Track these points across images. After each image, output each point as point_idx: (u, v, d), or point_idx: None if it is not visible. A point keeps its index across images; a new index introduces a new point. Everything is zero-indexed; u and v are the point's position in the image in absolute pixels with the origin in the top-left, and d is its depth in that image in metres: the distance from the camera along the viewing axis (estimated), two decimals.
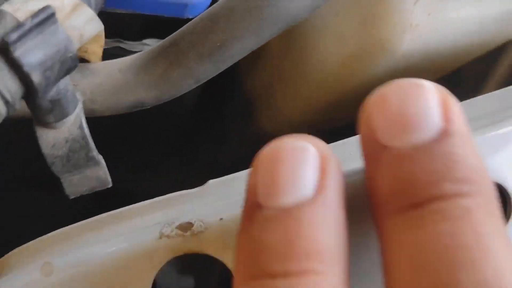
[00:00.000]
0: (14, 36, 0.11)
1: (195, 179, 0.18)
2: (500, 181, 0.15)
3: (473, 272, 0.10)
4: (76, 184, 0.14)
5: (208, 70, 0.16)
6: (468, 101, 0.17)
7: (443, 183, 0.10)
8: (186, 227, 0.15)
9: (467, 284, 0.09)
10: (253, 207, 0.11)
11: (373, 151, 0.11)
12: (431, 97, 0.11)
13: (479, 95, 0.18)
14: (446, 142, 0.10)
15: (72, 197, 0.15)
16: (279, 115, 0.28)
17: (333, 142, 0.18)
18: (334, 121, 0.28)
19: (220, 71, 0.16)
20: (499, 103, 0.17)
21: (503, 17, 0.21)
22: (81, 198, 0.16)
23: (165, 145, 0.28)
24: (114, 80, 0.16)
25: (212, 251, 0.14)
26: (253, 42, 0.15)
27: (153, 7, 0.19)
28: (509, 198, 0.15)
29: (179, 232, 0.14)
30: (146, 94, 0.16)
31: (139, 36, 0.17)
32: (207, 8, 0.21)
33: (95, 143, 0.14)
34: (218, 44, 0.15)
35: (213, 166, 0.29)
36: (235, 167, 0.18)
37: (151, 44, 0.19)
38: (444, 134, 0.10)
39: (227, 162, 0.28)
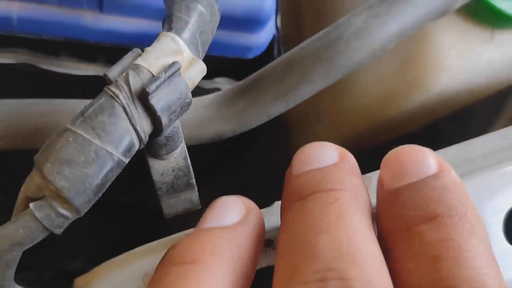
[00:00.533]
0: (152, 87, 0.13)
1: None
2: None
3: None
4: (172, 206, 0.17)
5: (280, 108, 0.18)
6: (475, 139, 0.20)
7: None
8: (268, 243, 0.17)
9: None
10: None
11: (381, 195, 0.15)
12: (428, 153, 0.14)
13: (491, 131, 0.21)
14: (437, 180, 0.14)
15: (168, 217, 0.17)
16: (313, 141, 0.30)
17: (365, 164, 0.20)
18: (362, 146, 0.31)
19: (289, 108, 0.19)
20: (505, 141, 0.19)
21: None
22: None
23: (206, 166, 0.30)
24: (198, 115, 0.19)
25: None
26: (322, 85, 0.18)
27: (221, 49, 0.22)
28: None
29: (263, 247, 0.17)
30: (225, 128, 0.19)
31: (208, 75, 0.19)
32: (265, 51, 0.23)
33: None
34: (292, 86, 0.18)
35: (250, 187, 0.31)
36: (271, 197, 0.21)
37: (220, 82, 0.22)
38: (435, 175, 0.14)
39: (263, 183, 0.30)
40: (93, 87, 0.20)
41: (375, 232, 0.14)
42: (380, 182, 0.15)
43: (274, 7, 0.22)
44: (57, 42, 0.21)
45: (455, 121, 0.29)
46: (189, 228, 0.19)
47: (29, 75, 0.20)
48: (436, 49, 0.22)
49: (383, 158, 0.15)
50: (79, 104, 0.17)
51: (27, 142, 0.17)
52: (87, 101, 0.17)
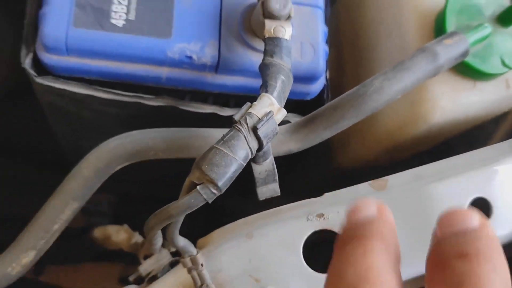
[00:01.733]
0: (259, 125, 0.24)
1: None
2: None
3: None
4: (264, 192, 0.28)
5: (329, 134, 0.29)
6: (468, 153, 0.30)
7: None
8: (320, 216, 0.28)
9: None
10: None
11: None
12: (473, 213, 0.18)
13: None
14: (475, 232, 0.17)
15: (260, 199, 0.28)
16: (352, 155, 0.41)
17: (390, 173, 0.30)
18: (390, 159, 0.41)
19: (334, 135, 0.29)
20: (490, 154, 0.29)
21: (497, 99, 0.33)
22: None
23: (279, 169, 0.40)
24: (277, 138, 0.29)
25: (335, 229, 0.27)
26: (354, 121, 0.28)
27: (291, 95, 0.32)
28: (491, 207, 0.28)
29: (317, 218, 0.27)
30: (293, 146, 0.30)
31: None
32: (319, 94, 0.34)
33: None
34: (335, 121, 0.28)
35: (300, 193, 0.41)
36: (317, 194, 0.31)
37: (290, 116, 0.32)
38: (475, 228, 0.17)
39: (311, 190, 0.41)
40: (209, 120, 0.31)
41: None
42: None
43: (325, 67, 0.32)
44: (188, 91, 0.32)
45: (458, 141, 0.39)
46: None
47: (172, 113, 0.32)
48: (433, 94, 0.32)
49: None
50: (208, 131, 0.29)
51: (179, 154, 0.29)
52: (215, 130, 0.28)
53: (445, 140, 0.37)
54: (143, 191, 0.54)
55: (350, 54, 0.41)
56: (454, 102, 0.32)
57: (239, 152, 0.24)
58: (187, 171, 0.25)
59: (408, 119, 0.33)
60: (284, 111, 0.26)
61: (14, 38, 0.42)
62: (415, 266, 0.23)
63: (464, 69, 0.32)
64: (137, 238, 0.35)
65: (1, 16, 0.47)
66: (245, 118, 0.25)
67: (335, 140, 0.43)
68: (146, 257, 0.32)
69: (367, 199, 0.19)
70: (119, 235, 0.36)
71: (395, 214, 0.18)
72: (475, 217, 0.18)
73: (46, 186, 0.30)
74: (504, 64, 0.31)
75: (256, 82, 0.31)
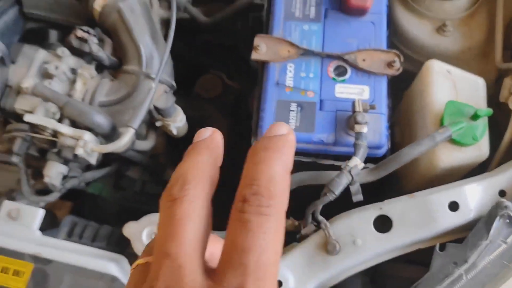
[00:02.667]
0: (353, 170, 0.61)
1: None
2: None
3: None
4: (355, 198, 0.64)
5: (385, 173, 0.64)
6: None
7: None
8: (380, 208, 0.62)
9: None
10: None
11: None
12: None
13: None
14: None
15: (354, 201, 0.64)
16: (410, 183, 0.75)
17: None
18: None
19: (387, 174, 0.64)
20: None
21: (474, 155, 0.65)
22: None
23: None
24: (361, 174, 0.65)
25: (389, 215, 0.62)
26: (398, 166, 0.63)
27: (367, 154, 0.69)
28: None
29: (379, 209, 0.62)
30: (369, 178, 0.65)
31: None
32: (385, 154, 0.69)
33: None
34: (387, 167, 0.63)
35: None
36: None
37: (368, 165, 0.68)
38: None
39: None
40: (329, 167, 0.68)
41: None
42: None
43: (386, 142, 0.68)
44: (321, 154, 0.70)
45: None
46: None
47: (314, 164, 0.69)
48: (438, 153, 0.65)
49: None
50: (330, 172, 0.66)
51: (317, 182, 0.66)
52: (333, 172, 0.66)
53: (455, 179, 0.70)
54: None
55: (406, 130, 0.76)
56: (450, 156, 0.65)
57: (344, 180, 0.61)
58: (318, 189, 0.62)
59: (429, 165, 0.67)
60: (362, 164, 0.62)
61: (228, 129, 0.85)
62: None
63: (454, 141, 0.65)
64: (295, 222, 0.72)
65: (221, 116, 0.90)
66: (346, 167, 0.61)
67: (401, 175, 0.77)
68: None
69: (206, 128, 0.29)
70: (287, 223, 0.74)
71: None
72: (283, 128, 0.28)
73: None
74: (474, 138, 0.64)
75: (352, 150, 0.67)
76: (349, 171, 0.61)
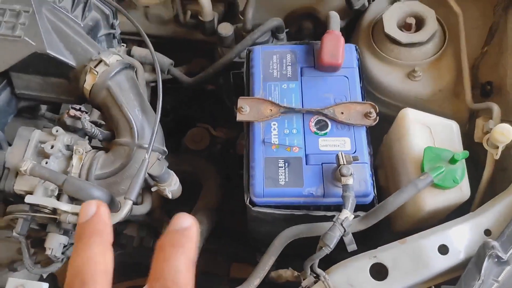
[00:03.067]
0: (345, 222, 0.64)
1: None
2: None
3: None
4: (350, 248, 0.66)
5: (374, 221, 0.67)
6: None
7: None
8: (374, 256, 0.65)
9: None
10: None
11: None
12: None
13: None
14: None
15: (349, 251, 0.66)
16: (399, 225, 0.77)
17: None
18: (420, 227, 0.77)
19: (377, 221, 0.67)
20: None
21: (455, 196, 0.69)
22: None
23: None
24: (352, 224, 0.68)
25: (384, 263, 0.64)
26: (386, 214, 0.66)
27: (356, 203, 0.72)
28: None
29: (373, 258, 0.65)
30: (360, 227, 0.68)
31: None
32: (372, 201, 0.72)
33: None
34: (376, 216, 0.66)
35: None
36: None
37: (358, 213, 0.71)
38: None
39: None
40: (321, 218, 0.71)
41: None
42: None
43: (372, 190, 0.71)
44: (311, 206, 0.73)
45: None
46: None
47: (306, 216, 0.72)
48: (423, 197, 0.69)
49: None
50: (323, 224, 0.68)
51: (312, 234, 0.68)
52: (325, 223, 0.68)
53: (440, 218, 0.73)
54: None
55: (389, 173, 0.79)
56: (434, 199, 0.69)
57: (337, 233, 0.63)
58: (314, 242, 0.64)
59: (415, 209, 0.70)
60: (352, 215, 0.65)
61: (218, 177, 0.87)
62: None
63: (436, 185, 0.68)
64: (295, 272, 0.74)
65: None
66: (337, 219, 0.64)
67: (389, 217, 0.80)
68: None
69: (89, 203, 0.30)
70: (286, 273, 0.76)
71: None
72: (187, 220, 0.30)
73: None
74: (455, 181, 0.68)
75: (341, 201, 0.70)
76: (341, 224, 0.64)
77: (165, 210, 0.94)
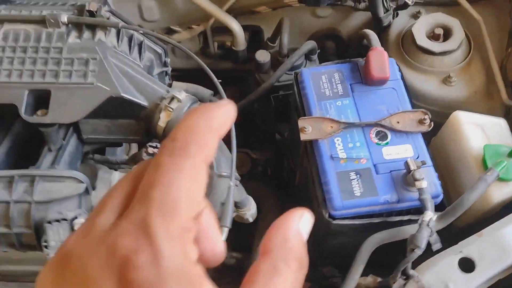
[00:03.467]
0: (430, 223, 0.68)
1: None
2: None
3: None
4: (435, 247, 0.70)
5: (451, 219, 0.72)
6: None
7: None
8: (460, 251, 0.69)
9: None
10: None
11: None
12: None
13: None
14: None
15: (434, 250, 0.70)
16: (465, 221, 0.83)
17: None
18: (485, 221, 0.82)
19: (454, 219, 0.72)
20: None
21: None
22: None
23: None
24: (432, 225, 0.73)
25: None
26: (461, 212, 0.71)
27: None
28: None
29: (459, 253, 0.69)
30: (439, 227, 0.72)
31: None
32: (442, 201, 0.77)
33: None
34: (452, 214, 0.71)
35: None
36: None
37: (437, 213, 0.75)
38: None
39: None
40: (402, 223, 0.75)
41: None
42: None
43: (441, 191, 0.76)
44: (387, 213, 0.77)
45: None
46: None
47: (385, 223, 0.76)
48: (491, 191, 0.74)
49: None
50: (408, 227, 0.72)
51: (396, 238, 0.72)
52: (409, 226, 0.72)
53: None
54: None
55: (444, 174, 0.85)
56: (501, 192, 0.74)
57: (425, 233, 0.68)
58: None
59: (483, 202, 0.76)
60: (435, 216, 0.69)
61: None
62: None
63: (500, 179, 0.74)
64: (378, 278, 0.78)
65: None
66: (423, 221, 0.68)
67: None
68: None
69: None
70: (366, 280, 0.80)
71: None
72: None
73: None
74: None
75: (413, 204, 0.74)
76: (427, 225, 0.68)
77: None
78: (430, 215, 0.69)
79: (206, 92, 1.03)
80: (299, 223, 0.27)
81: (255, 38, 1.13)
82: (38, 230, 0.69)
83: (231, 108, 0.27)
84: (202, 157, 0.25)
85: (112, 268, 0.21)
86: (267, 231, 0.27)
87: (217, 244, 0.28)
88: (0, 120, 0.81)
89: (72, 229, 0.68)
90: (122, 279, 0.21)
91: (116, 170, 0.77)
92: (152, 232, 0.21)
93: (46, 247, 0.67)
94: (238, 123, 1.24)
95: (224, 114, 0.26)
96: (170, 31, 1.11)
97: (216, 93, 1.11)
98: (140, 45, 0.83)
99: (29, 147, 0.83)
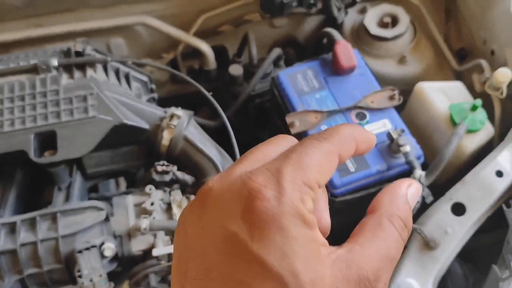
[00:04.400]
0: (421, 178, 0.77)
1: None
2: None
3: None
4: (428, 200, 0.79)
5: (433, 177, 0.81)
6: None
7: None
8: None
9: None
10: None
11: None
12: None
13: None
14: None
15: (428, 202, 0.79)
16: (442, 176, 0.93)
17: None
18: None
19: (435, 177, 0.81)
20: None
21: (483, 137, 0.86)
22: None
23: None
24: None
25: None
26: (442, 167, 0.81)
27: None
28: None
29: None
30: (426, 183, 0.82)
31: None
32: (425, 161, 0.86)
33: None
34: (433, 171, 0.81)
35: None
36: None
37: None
38: None
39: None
40: None
41: None
42: None
43: (421, 150, 0.85)
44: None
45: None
46: None
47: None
48: (463, 143, 0.85)
49: None
50: None
51: None
52: None
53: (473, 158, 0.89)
54: None
55: (416, 138, 0.95)
56: (472, 142, 0.85)
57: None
58: None
59: (458, 155, 0.86)
60: (423, 172, 0.78)
61: None
62: None
63: (469, 131, 0.85)
64: None
65: None
66: (414, 177, 0.77)
67: None
68: None
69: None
70: None
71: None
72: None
73: None
74: (481, 123, 0.84)
75: (401, 168, 0.83)
76: (419, 181, 0.77)
77: None
78: (419, 172, 0.78)
79: (188, 113, 1.09)
80: (407, 189, 0.30)
81: (220, 57, 1.21)
82: (68, 264, 0.72)
83: (373, 137, 0.32)
84: (339, 149, 0.28)
85: (241, 197, 0.25)
86: (377, 195, 0.30)
87: (325, 219, 0.32)
88: (3, 169, 0.84)
89: (102, 255, 0.71)
90: (248, 206, 0.25)
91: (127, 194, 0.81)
92: (281, 177, 0.26)
93: (80, 276, 0.70)
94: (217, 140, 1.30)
95: (367, 136, 0.31)
96: (139, 65, 1.17)
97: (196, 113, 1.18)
98: (127, 76, 0.89)
99: (31, 195, 0.86)
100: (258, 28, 1.17)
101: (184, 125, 0.80)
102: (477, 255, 0.85)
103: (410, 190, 0.30)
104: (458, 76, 1.01)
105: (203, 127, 1.10)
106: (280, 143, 0.30)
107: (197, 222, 0.27)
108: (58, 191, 0.81)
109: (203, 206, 0.27)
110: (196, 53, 1.16)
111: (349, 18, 1.12)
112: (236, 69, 1.07)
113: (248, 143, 1.17)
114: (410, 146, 0.84)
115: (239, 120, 1.17)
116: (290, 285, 0.24)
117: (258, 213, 0.25)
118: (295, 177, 0.26)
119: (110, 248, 0.72)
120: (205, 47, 1.08)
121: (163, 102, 1.10)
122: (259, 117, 1.11)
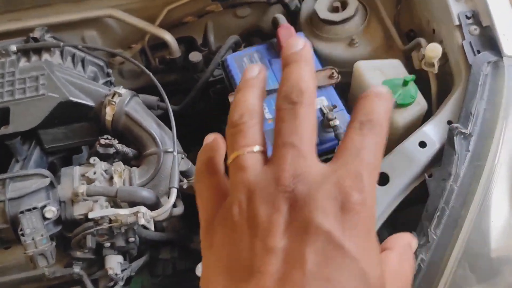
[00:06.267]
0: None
1: None
2: None
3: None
4: None
5: None
6: None
7: None
8: None
9: None
10: None
11: None
12: None
13: None
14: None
15: None
16: None
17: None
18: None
19: None
20: None
21: (415, 112, 0.88)
22: None
23: None
24: None
25: None
26: None
27: None
28: None
29: None
30: None
31: None
32: None
33: None
34: None
35: None
36: None
37: None
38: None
39: None
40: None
41: None
42: None
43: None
44: None
45: None
46: None
47: None
48: (393, 119, 0.87)
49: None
50: None
51: None
52: None
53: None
54: None
55: None
56: (403, 116, 0.87)
57: None
58: None
59: (392, 130, 0.88)
60: None
61: None
62: None
63: (400, 105, 0.87)
64: None
65: None
66: None
67: None
68: None
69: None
70: None
71: None
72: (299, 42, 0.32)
73: None
74: (412, 97, 0.87)
75: (333, 143, 0.87)
76: None
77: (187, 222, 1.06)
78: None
79: (152, 98, 1.16)
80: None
81: (190, 48, 1.28)
82: (14, 224, 0.79)
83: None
84: (314, 104, 0.33)
85: (337, 198, 0.27)
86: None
87: None
88: None
89: (43, 216, 0.78)
90: (344, 206, 0.27)
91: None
92: (364, 181, 0.28)
93: (22, 235, 0.77)
94: (181, 124, 1.37)
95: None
96: (112, 55, 1.25)
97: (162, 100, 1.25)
98: (83, 61, 0.97)
99: None
100: (222, 18, 1.23)
101: (125, 102, 0.86)
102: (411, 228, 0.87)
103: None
104: (406, 56, 1.04)
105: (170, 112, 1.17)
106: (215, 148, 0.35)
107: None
108: (15, 162, 0.89)
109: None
110: (166, 44, 1.23)
111: (306, 6, 1.16)
112: (195, 56, 1.13)
113: (211, 126, 1.23)
114: (343, 122, 0.88)
115: (202, 105, 1.22)
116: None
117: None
118: (372, 180, 0.29)
119: (51, 211, 0.78)
120: (168, 36, 1.14)
121: (141, 92, 1.17)
122: (219, 101, 1.16)
